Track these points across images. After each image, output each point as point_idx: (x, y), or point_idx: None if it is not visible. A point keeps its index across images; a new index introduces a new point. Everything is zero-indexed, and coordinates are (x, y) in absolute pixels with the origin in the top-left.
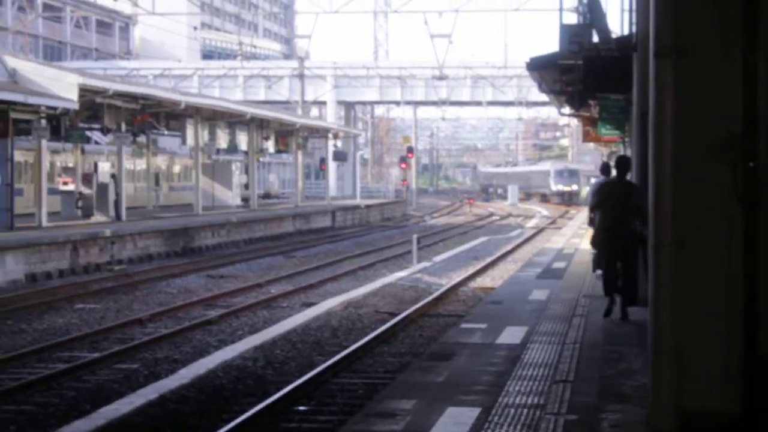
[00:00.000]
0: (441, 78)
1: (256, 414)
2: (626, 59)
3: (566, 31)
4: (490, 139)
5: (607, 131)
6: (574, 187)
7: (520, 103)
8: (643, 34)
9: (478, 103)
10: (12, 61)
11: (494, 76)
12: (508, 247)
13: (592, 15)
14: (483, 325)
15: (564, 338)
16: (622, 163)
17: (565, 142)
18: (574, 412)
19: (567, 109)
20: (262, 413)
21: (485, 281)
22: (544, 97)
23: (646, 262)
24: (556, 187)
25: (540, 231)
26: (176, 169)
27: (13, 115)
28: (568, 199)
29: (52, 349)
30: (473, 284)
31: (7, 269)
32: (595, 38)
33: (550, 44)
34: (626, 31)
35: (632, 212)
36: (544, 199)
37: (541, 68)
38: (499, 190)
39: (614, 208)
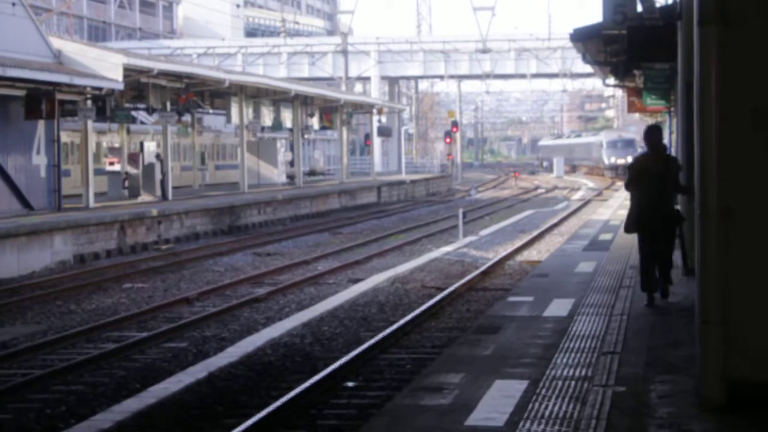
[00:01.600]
0: (485, 51)
1: (305, 390)
2: (671, 28)
3: (610, 1)
4: (535, 111)
5: (652, 101)
6: (630, 160)
7: (565, 75)
8: (687, 2)
9: (522, 76)
10: (57, 42)
11: (538, 48)
12: (554, 220)
13: None
14: (530, 298)
15: (611, 310)
16: (654, 132)
17: (610, 113)
18: (622, 383)
19: (611, 80)
20: (310, 390)
21: (531, 254)
22: (588, 69)
23: (683, 241)
24: (609, 159)
25: (586, 203)
26: (221, 147)
27: (59, 96)
28: (622, 172)
29: (101, 328)
30: (519, 257)
31: (56, 250)
32: (639, 8)
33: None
34: (670, 0)
35: (671, 188)
36: (595, 172)
37: (585, 39)
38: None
39: (650, 184)
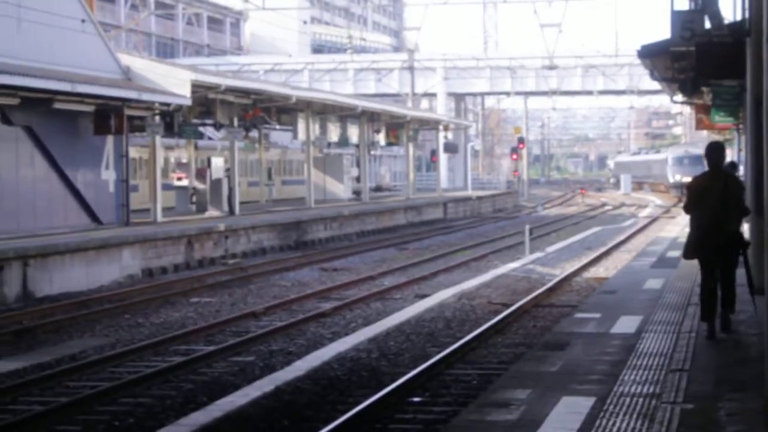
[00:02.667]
0: (551, 68)
1: (371, 405)
2: (739, 45)
3: (678, 17)
4: (602, 128)
5: (720, 118)
6: None
7: (632, 92)
8: (756, 19)
9: (589, 93)
10: (126, 59)
11: (605, 65)
12: (621, 237)
13: (704, 0)
14: (597, 315)
15: (679, 327)
16: (716, 150)
17: (677, 130)
18: (690, 401)
19: (679, 97)
20: (376, 405)
21: (599, 271)
22: (656, 85)
23: (748, 265)
24: (674, 177)
25: (654, 220)
26: (288, 163)
27: (127, 111)
28: None
29: (169, 342)
30: (586, 274)
31: (124, 264)
32: (708, 24)
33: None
34: (739, 17)
35: (733, 209)
36: (661, 189)
37: (653, 56)
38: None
39: (711, 205)
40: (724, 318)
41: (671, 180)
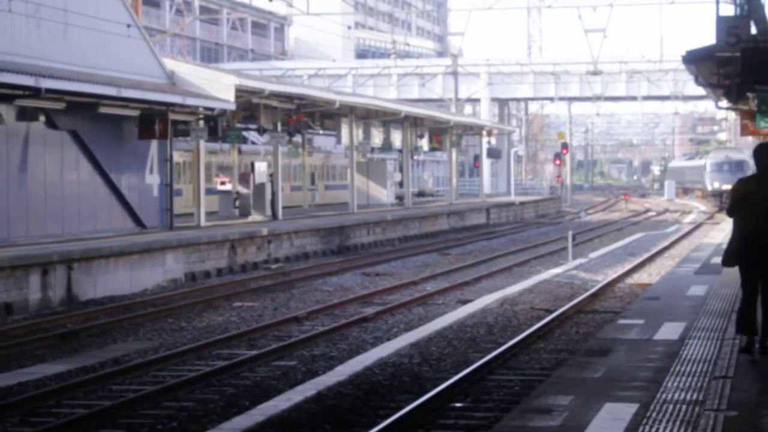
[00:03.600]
0: (595, 73)
1: (413, 410)
2: None
3: (723, 22)
4: (646, 134)
5: (765, 124)
6: None
7: (677, 98)
8: None
9: (633, 98)
10: (170, 64)
11: (649, 71)
12: (665, 243)
13: (750, 6)
14: (640, 321)
15: (723, 334)
16: (763, 151)
17: (722, 136)
18: (734, 408)
19: (724, 103)
20: (418, 410)
21: (642, 277)
22: (700, 91)
23: None
24: (713, 184)
25: (697, 226)
26: (331, 168)
27: (171, 116)
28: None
29: (212, 346)
30: (630, 280)
31: (168, 268)
32: (753, 30)
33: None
34: None
35: None
36: (703, 196)
37: (698, 61)
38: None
39: (756, 210)
40: (762, 344)
41: (710, 188)
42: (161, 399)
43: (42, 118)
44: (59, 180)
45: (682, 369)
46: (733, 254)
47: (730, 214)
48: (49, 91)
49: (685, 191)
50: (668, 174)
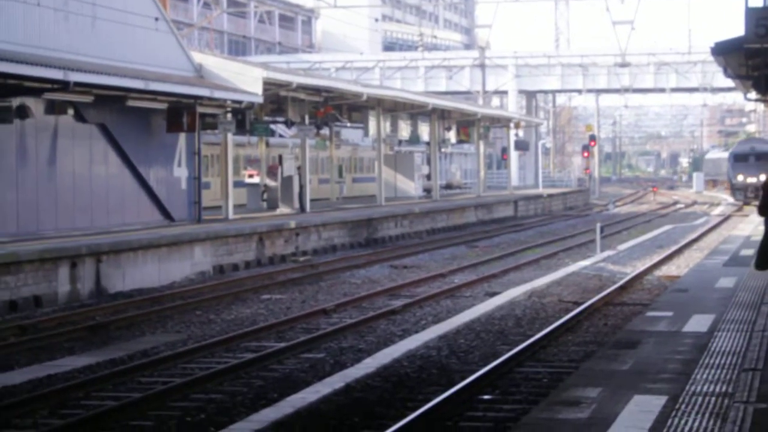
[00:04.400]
0: (623, 65)
1: (441, 403)
2: None
3: (752, 14)
4: (674, 126)
5: None
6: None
7: (705, 89)
8: None
9: (662, 90)
10: (198, 57)
11: (678, 62)
12: (694, 235)
13: None
14: (669, 313)
15: (752, 326)
16: None
17: (751, 128)
18: (763, 400)
19: (753, 94)
20: (446, 402)
21: (670, 269)
22: (729, 83)
23: None
24: (735, 177)
25: (726, 218)
26: (359, 160)
27: (199, 109)
28: (753, 196)
29: (240, 338)
30: (658, 272)
31: (196, 261)
32: None
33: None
34: None
35: None
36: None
37: (727, 53)
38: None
39: None
40: None
41: (733, 181)
42: (190, 391)
43: (70, 111)
44: (88, 173)
45: (711, 361)
46: (766, 257)
47: (761, 212)
48: (77, 84)
49: (714, 184)
50: (704, 166)
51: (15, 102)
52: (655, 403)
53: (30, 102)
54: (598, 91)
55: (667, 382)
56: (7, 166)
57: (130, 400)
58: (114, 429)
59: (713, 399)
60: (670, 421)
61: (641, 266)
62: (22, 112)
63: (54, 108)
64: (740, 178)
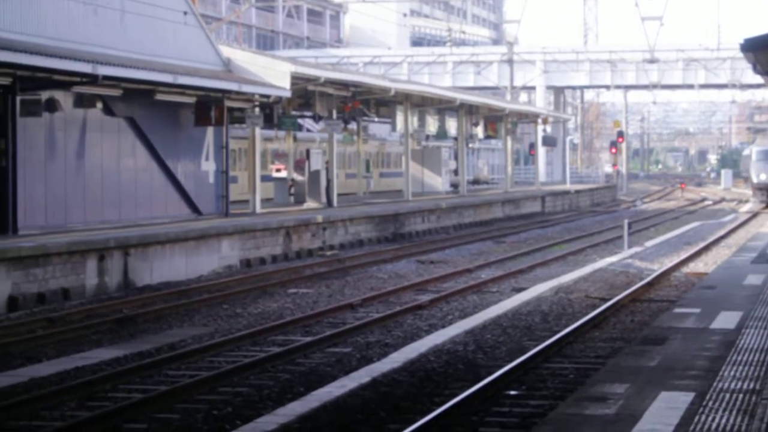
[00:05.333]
0: (652, 61)
1: (467, 398)
2: None
3: None
4: (702, 123)
5: None
6: None
7: (734, 86)
8: None
9: (690, 87)
10: (226, 51)
11: (707, 59)
12: (721, 232)
13: None
14: (696, 310)
15: None
16: None
17: None
18: None
19: None
20: (472, 397)
21: (698, 266)
22: (758, 79)
23: None
24: (758, 176)
25: (754, 215)
26: (386, 155)
27: (227, 103)
28: None
29: (267, 332)
30: (686, 269)
31: (223, 254)
32: None
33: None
34: None
35: None
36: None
37: (756, 49)
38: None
39: None
40: None
41: (755, 180)
42: (216, 384)
43: (99, 104)
44: (116, 166)
45: (739, 358)
46: None
47: None
48: (106, 78)
49: (745, 180)
50: (742, 163)
51: (44, 95)
52: (683, 399)
53: (59, 95)
54: (627, 87)
55: (694, 378)
56: (36, 160)
57: (157, 392)
58: (141, 421)
59: (741, 396)
60: (697, 417)
61: (669, 263)
62: (51, 106)
63: (83, 101)
64: (763, 177)
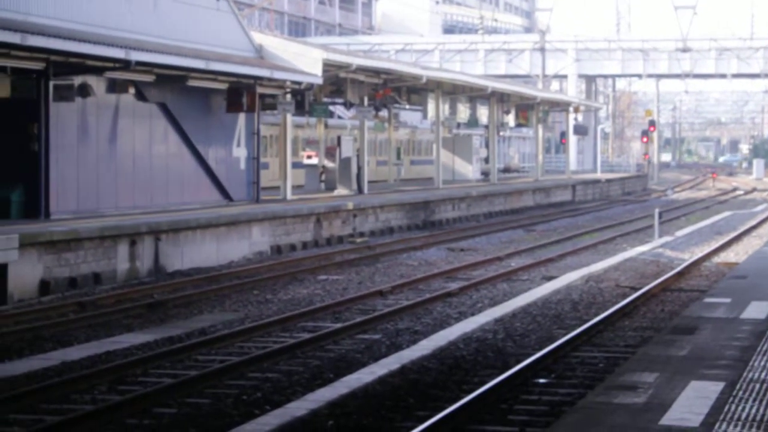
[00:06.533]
0: (684, 50)
1: (496, 386)
2: None
3: None
4: (734, 112)
5: None
6: None
7: (767, 75)
8: None
9: (723, 76)
10: (258, 37)
11: (739, 48)
12: (753, 222)
13: None
14: (727, 300)
15: None
16: None
17: None
18: None
19: None
20: (501, 385)
21: (729, 256)
22: None
23: None
24: None
25: None
26: (417, 143)
27: (259, 89)
28: None
29: (297, 318)
30: (716, 259)
31: (254, 241)
32: None
33: None
34: None
35: None
36: None
37: None
38: None
39: None
40: None
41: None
42: (246, 370)
43: (131, 90)
44: (147, 152)
45: None
46: None
47: None
48: (138, 63)
49: None
50: None
51: (77, 80)
52: (712, 389)
53: (92, 80)
54: (659, 76)
55: (724, 368)
56: (68, 144)
57: (187, 377)
58: (171, 405)
59: None
60: (727, 407)
61: (699, 252)
62: (84, 91)
63: (115, 87)
64: None
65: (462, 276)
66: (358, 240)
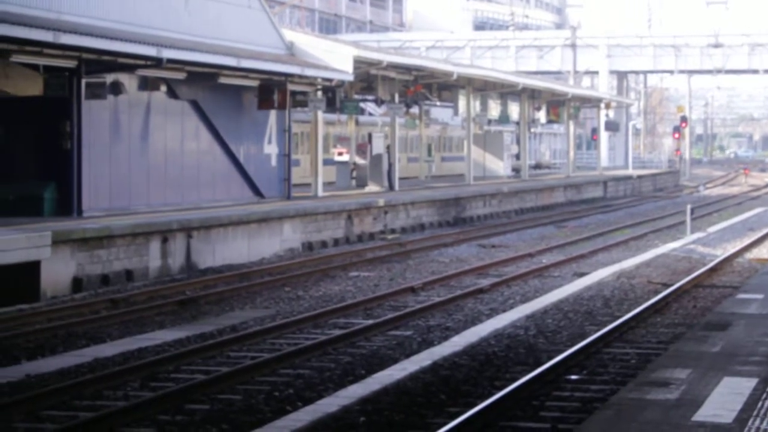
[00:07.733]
0: (716, 45)
1: (528, 382)
2: None
3: None
4: (767, 108)
5: None
6: None
7: None
8: None
9: (755, 71)
10: (289, 35)
11: None
12: None
13: None
14: (759, 296)
15: None
16: None
17: None
18: None
19: None
20: (533, 381)
21: (761, 252)
22: None
23: None
24: None
25: None
26: (448, 139)
27: (290, 87)
28: None
29: (328, 315)
30: (749, 255)
31: (285, 237)
32: None
33: None
34: None
35: None
36: None
37: None
38: None
39: None
40: None
41: None
42: (278, 366)
43: (163, 87)
44: (179, 149)
45: None
46: None
47: None
48: (170, 61)
49: None
50: None
51: (109, 78)
52: (746, 385)
53: (124, 78)
54: (690, 72)
55: (757, 364)
56: (100, 142)
57: (219, 373)
58: (203, 402)
59: None
60: (760, 403)
61: (731, 248)
62: (116, 88)
63: (147, 84)
64: None
65: (493, 272)
66: (389, 237)
